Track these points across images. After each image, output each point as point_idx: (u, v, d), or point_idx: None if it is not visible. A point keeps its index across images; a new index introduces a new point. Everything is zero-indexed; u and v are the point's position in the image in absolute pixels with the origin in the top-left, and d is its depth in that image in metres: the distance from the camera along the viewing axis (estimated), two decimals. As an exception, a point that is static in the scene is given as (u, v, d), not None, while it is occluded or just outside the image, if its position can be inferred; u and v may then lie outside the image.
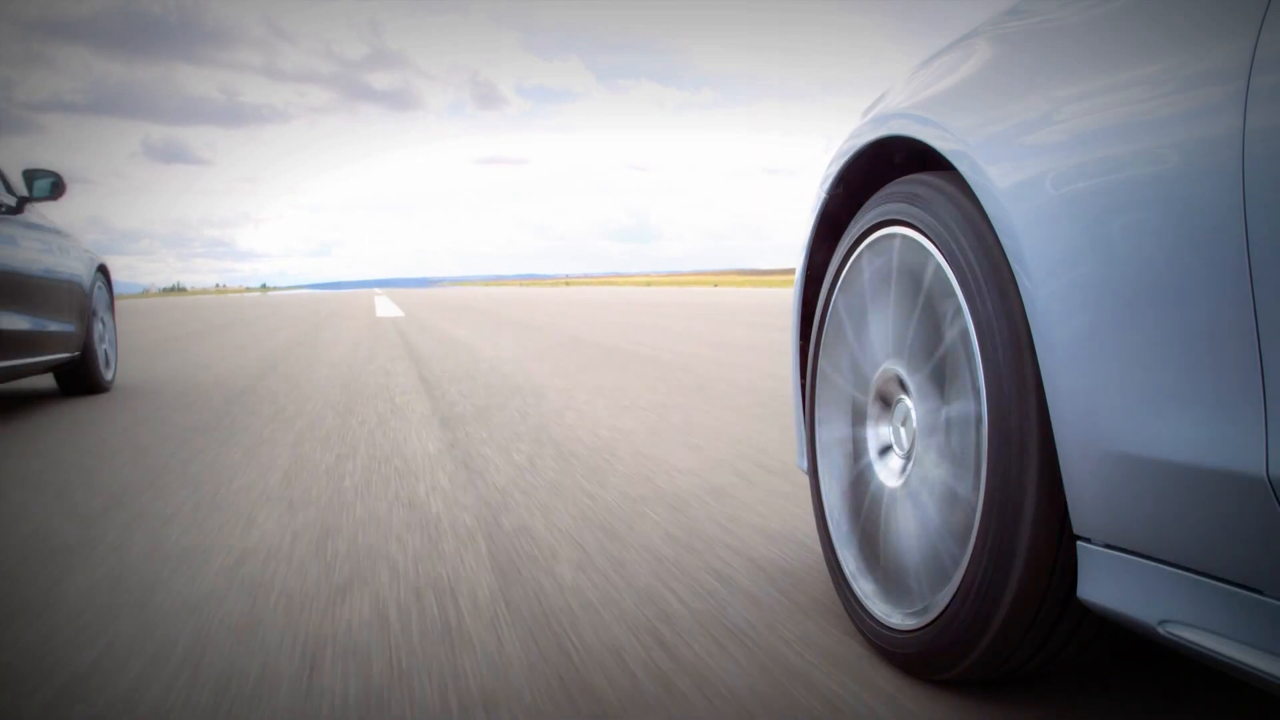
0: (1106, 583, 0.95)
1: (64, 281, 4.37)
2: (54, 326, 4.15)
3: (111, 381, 5.01)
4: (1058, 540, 1.02)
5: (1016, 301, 1.05)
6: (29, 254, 4.04)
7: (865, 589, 1.37)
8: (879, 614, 1.31)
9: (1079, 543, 0.98)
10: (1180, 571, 0.86)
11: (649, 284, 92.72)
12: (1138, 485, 0.89)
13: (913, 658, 1.22)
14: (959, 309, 1.14)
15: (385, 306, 19.34)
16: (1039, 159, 1.00)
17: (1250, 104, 0.75)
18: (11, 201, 4.12)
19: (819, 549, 1.81)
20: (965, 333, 1.13)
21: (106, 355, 4.99)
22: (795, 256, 1.72)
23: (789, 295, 1.36)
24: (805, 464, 1.63)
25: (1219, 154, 0.78)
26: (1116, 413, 0.90)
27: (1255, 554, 0.78)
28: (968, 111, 1.15)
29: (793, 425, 2.34)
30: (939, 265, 1.19)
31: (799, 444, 1.68)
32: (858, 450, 1.44)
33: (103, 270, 4.98)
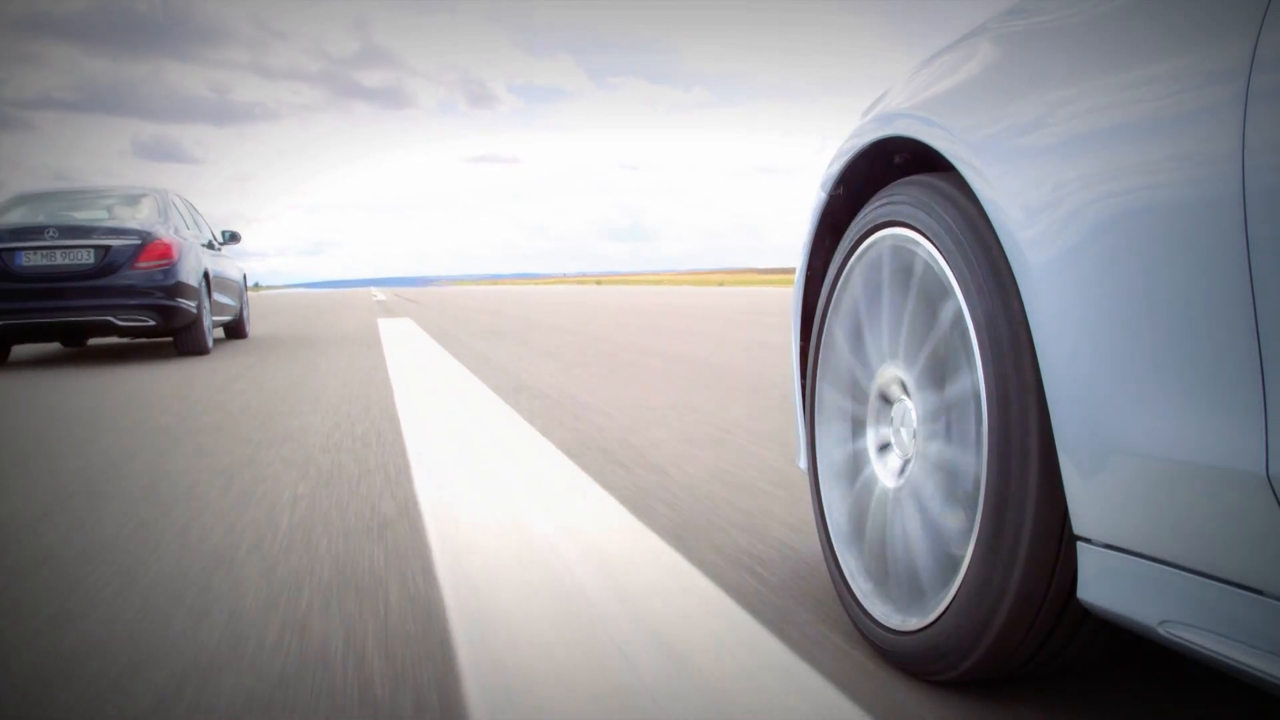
0: (1106, 583, 0.95)
1: (235, 281, 9.00)
2: (233, 303, 8.85)
3: (249, 333, 9.75)
4: (1058, 540, 1.02)
5: (1016, 302, 1.04)
6: (226, 268, 8.61)
7: (864, 589, 1.37)
8: (879, 614, 1.31)
9: (1079, 543, 0.98)
10: (1180, 571, 0.86)
11: (721, 283, 66.66)
12: (1138, 485, 0.89)
13: (913, 658, 1.22)
14: (959, 310, 1.14)
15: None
16: (1040, 160, 1.00)
17: (1250, 104, 0.75)
18: (218, 245, 8.65)
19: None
20: (965, 333, 1.13)
21: (247, 319, 9.63)
22: (793, 256, 1.72)
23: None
24: (805, 464, 1.63)
25: (1220, 154, 0.78)
26: (1116, 412, 0.90)
27: (1255, 554, 0.78)
28: (968, 112, 1.15)
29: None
30: (939, 266, 1.19)
31: (799, 444, 1.68)
32: (857, 451, 1.44)
33: (244, 274, 9.66)
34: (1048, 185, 0.98)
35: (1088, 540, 0.97)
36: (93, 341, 8.93)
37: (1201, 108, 0.81)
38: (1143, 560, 0.89)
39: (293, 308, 21.77)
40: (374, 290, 57.48)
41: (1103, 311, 0.91)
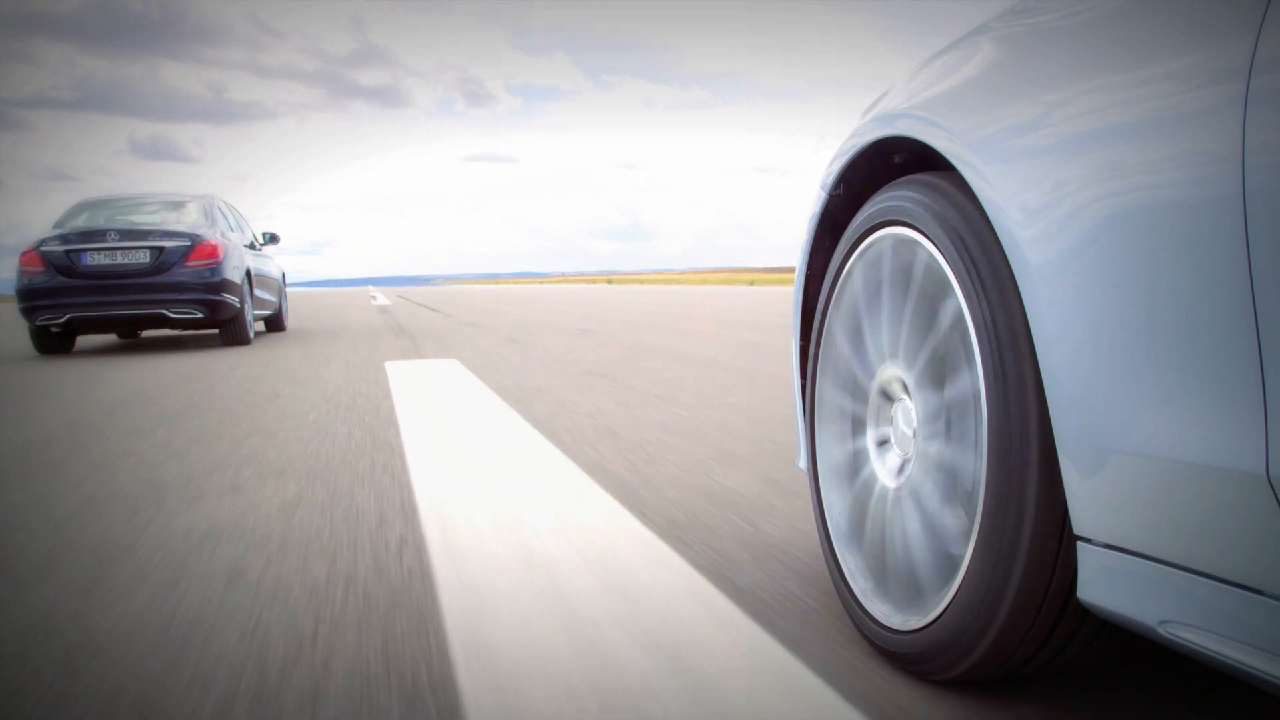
0: (1106, 583, 0.95)
1: (275, 279, 9.83)
2: (272, 298, 9.70)
3: (287, 326, 10.79)
4: (1058, 540, 1.02)
5: (1016, 302, 1.04)
6: (266, 267, 9.41)
7: (865, 588, 1.37)
8: (879, 614, 1.31)
9: (1079, 543, 0.98)
10: (1180, 571, 0.86)
11: (751, 282, 58.50)
12: (1138, 485, 0.88)
13: (913, 658, 1.22)
14: (959, 309, 1.14)
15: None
16: (1040, 159, 1.00)
17: (1250, 104, 0.75)
18: (259, 245, 9.49)
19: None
20: (965, 333, 1.13)
21: (285, 313, 10.53)
22: (790, 256, 1.72)
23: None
24: (805, 464, 1.63)
25: (1220, 154, 0.78)
26: (1116, 412, 0.90)
27: (1255, 554, 0.78)
28: (968, 112, 1.15)
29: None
30: (939, 266, 1.19)
31: (799, 444, 1.68)
32: (857, 450, 1.44)
33: (283, 273, 10.46)
34: (1048, 185, 0.98)
35: (1088, 540, 0.97)
36: (146, 333, 10.25)
37: (1201, 108, 0.81)
38: (1143, 560, 0.89)
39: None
40: (372, 290, 48.03)
41: (1103, 311, 0.91)
